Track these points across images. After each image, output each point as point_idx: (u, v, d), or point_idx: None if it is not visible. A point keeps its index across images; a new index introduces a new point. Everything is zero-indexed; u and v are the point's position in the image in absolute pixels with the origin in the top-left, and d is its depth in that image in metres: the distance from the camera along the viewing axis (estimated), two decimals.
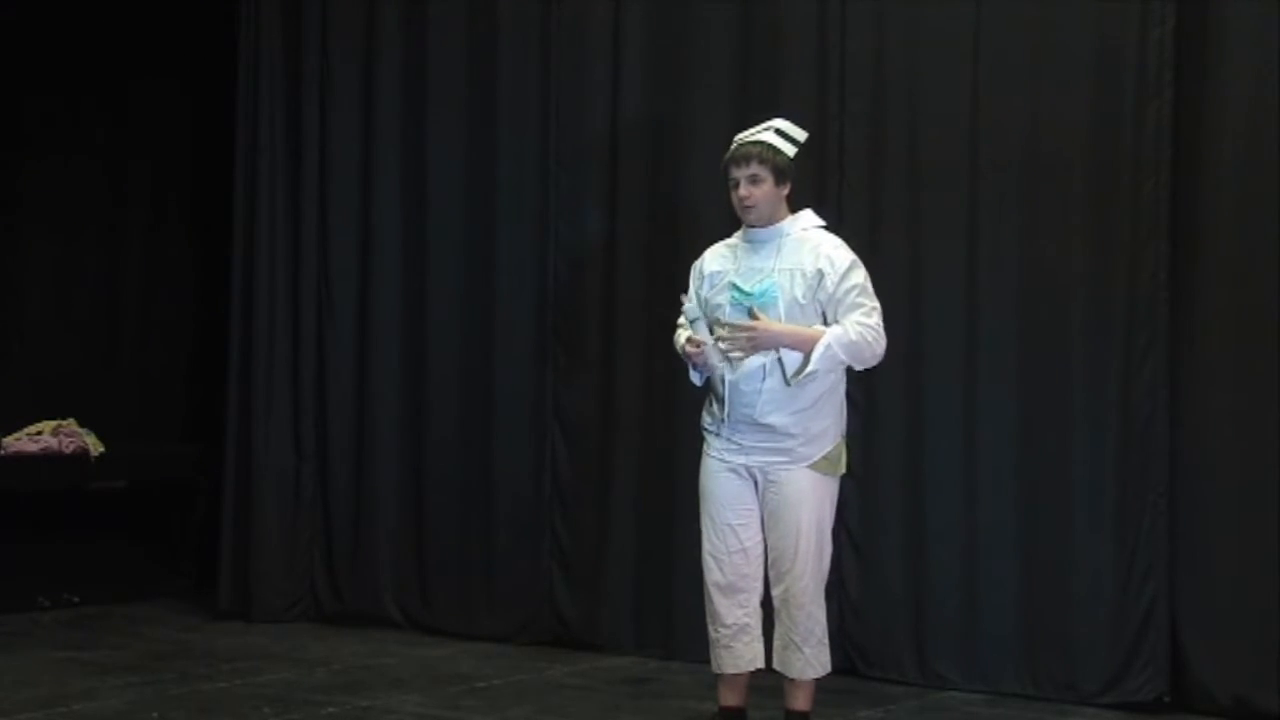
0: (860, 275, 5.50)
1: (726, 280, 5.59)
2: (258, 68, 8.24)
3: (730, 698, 5.69)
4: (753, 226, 5.59)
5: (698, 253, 7.14)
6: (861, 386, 6.80)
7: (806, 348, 5.40)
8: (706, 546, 5.63)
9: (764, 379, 5.46)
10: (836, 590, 6.76)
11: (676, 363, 7.09)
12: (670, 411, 7.10)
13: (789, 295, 5.47)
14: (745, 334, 5.42)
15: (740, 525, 5.58)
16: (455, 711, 6.24)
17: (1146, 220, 6.33)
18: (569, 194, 7.58)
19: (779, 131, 5.60)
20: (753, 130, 5.65)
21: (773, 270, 5.51)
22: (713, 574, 5.60)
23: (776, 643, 5.58)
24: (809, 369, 5.39)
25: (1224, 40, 6.25)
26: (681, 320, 5.75)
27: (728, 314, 5.53)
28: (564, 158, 7.59)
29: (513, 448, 7.66)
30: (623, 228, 7.43)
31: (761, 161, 5.51)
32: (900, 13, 6.82)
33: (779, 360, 5.44)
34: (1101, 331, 6.42)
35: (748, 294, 5.51)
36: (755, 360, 5.46)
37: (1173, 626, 6.32)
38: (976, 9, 6.65)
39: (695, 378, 5.65)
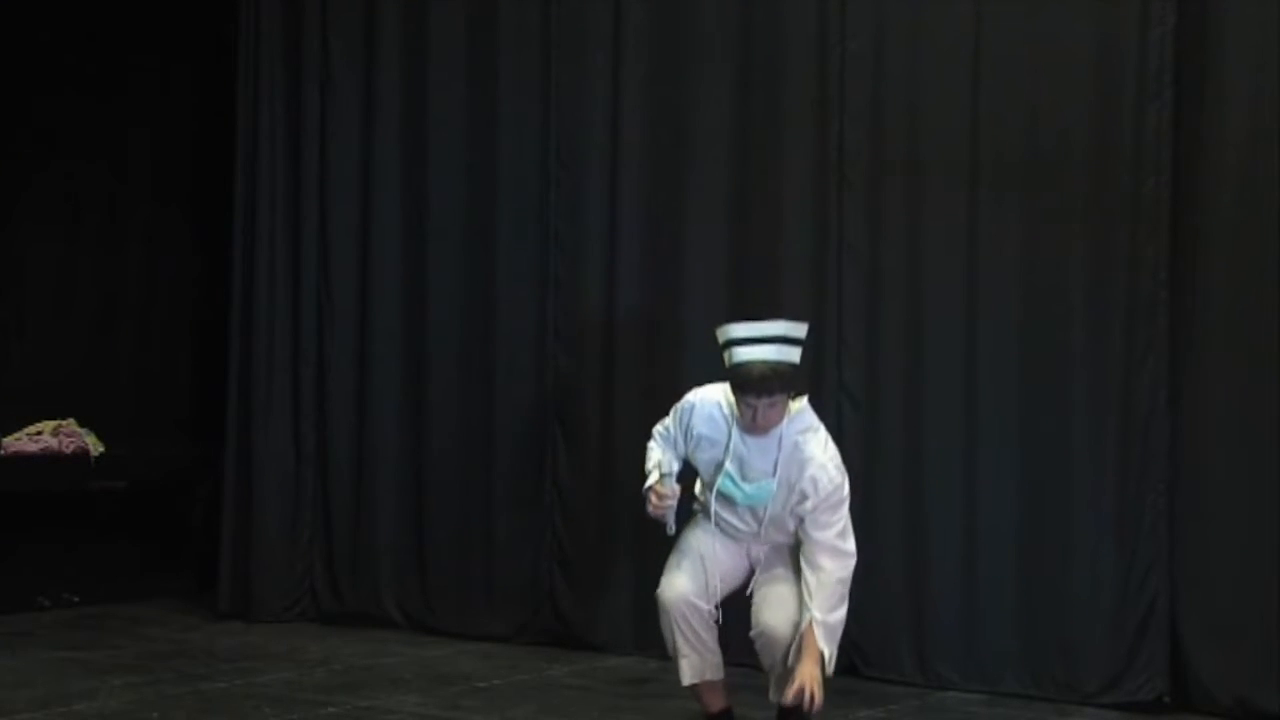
0: (837, 496, 5.48)
1: (722, 460, 5.53)
2: (258, 68, 8.24)
3: (712, 703, 5.71)
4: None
5: (698, 252, 7.21)
6: (862, 386, 6.82)
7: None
8: (669, 566, 5.63)
9: (757, 533, 5.56)
10: None
11: (677, 363, 7.15)
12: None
13: (776, 502, 5.49)
14: (809, 696, 5.33)
15: (718, 566, 5.59)
16: (455, 711, 6.24)
17: (1146, 220, 6.33)
18: (569, 194, 7.58)
19: (785, 340, 5.41)
20: (752, 334, 5.42)
21: (773, 478, 5.47)
22: (667, 591, 5.59)
23: (763, 664, 5.60)
24: (829, 661, 5.41)
25: (1224, 40, 6.25)
26: (654, 445, 5.69)
27: (717, 489, 5.53)
28: (564, 158, 7.59)
29: (513, 448, 7.66)
30: (622, 227, 7.43)
31: (781, 389, 5.38)
32: (900, 13, 6.81)
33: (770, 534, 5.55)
34: (1101, 331, 6.42)
35: (745, 493, 5.52)
36: (749, 524, 5.56)
37: (1173, 626, 6.32)
38: (976, 9, 6.65)
39: (650, 512, 5.61)
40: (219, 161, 8.61)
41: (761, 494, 5.49)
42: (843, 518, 5.51)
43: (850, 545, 5.52)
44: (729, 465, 5.51)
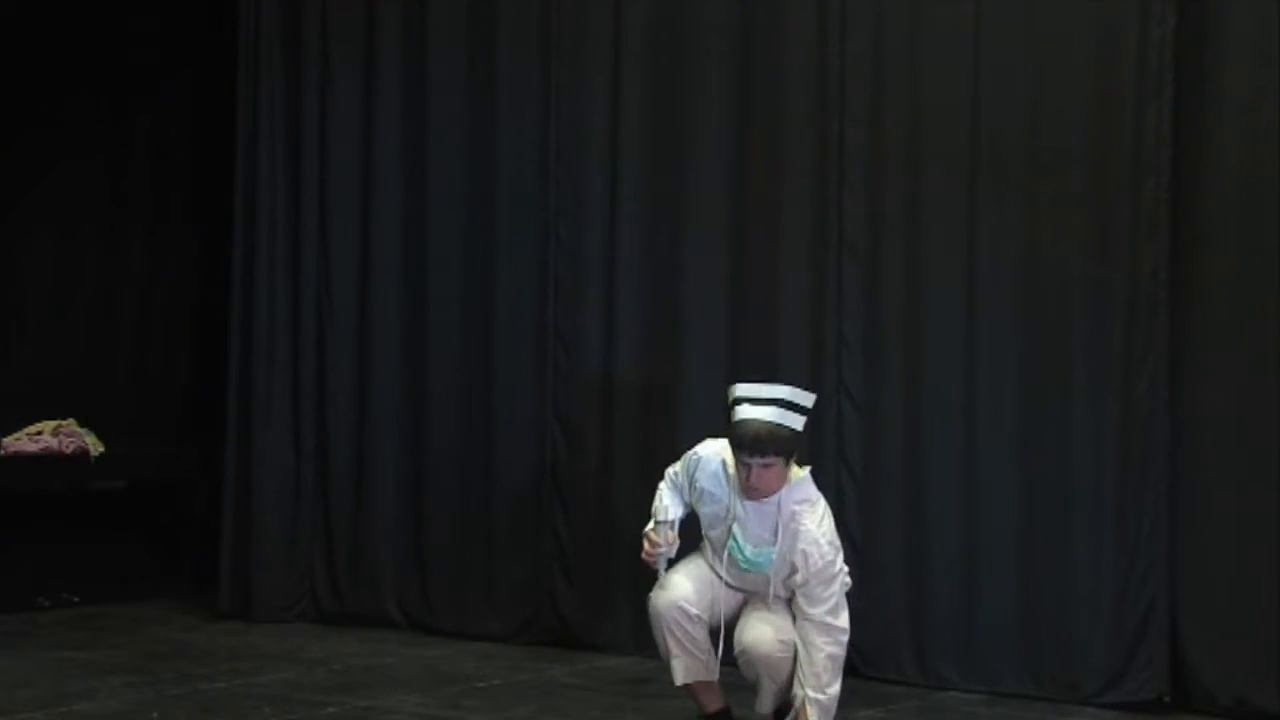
0: (829, 572, 5.48)
1: (725, 513, 5.57)
2: (258, 67, 8.23)
3: (709, 703, 5.71)
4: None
5: (698, 252, 7.21)
6: (862, 386, 6.82)
7: None
8: (665, 575, 5.66)
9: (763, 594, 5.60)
10: None
11: (677, 363, 7.15)
12: (670, 411, 7.10)
13: (771, 571, 5.52)
14: None
15: (713, 590, 5.62)
16: (455, 711, 6.24)
17: (1146, 220, 6.33)
18: (569, 194, 7.58)
19: (788, 405, 5.45)
20: (756, 395, 5.49)
21: (774, 548, 5.49)
22: (660, 597, 5.61)
23: (747, 680, 5.63)
24: None
25: (1224, 40, 6.25)
26: (663, 488, 5.75)
27: (724, 557, 5.58)
28: (564, 158, 7.59)
29: (513, 448, 7.66)
30: (623, 227, 7.42)
31: (778, 453, 5.40)
32: (900, 12, 6.81)
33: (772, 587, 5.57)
34: (1101, 331, 6.42)
35: (747, 559, 5.55)
36: (752, 587, 5.60)
37: (1173, 626, 6.32)
38: (976, 9, 6.65)
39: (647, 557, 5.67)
40: (219, 161, 8.60)
41: (762, 560, 5.53)
42: (835, 594, 5.50)
43: (843, 621, 5.50)
44: (734, 528, 5.55)
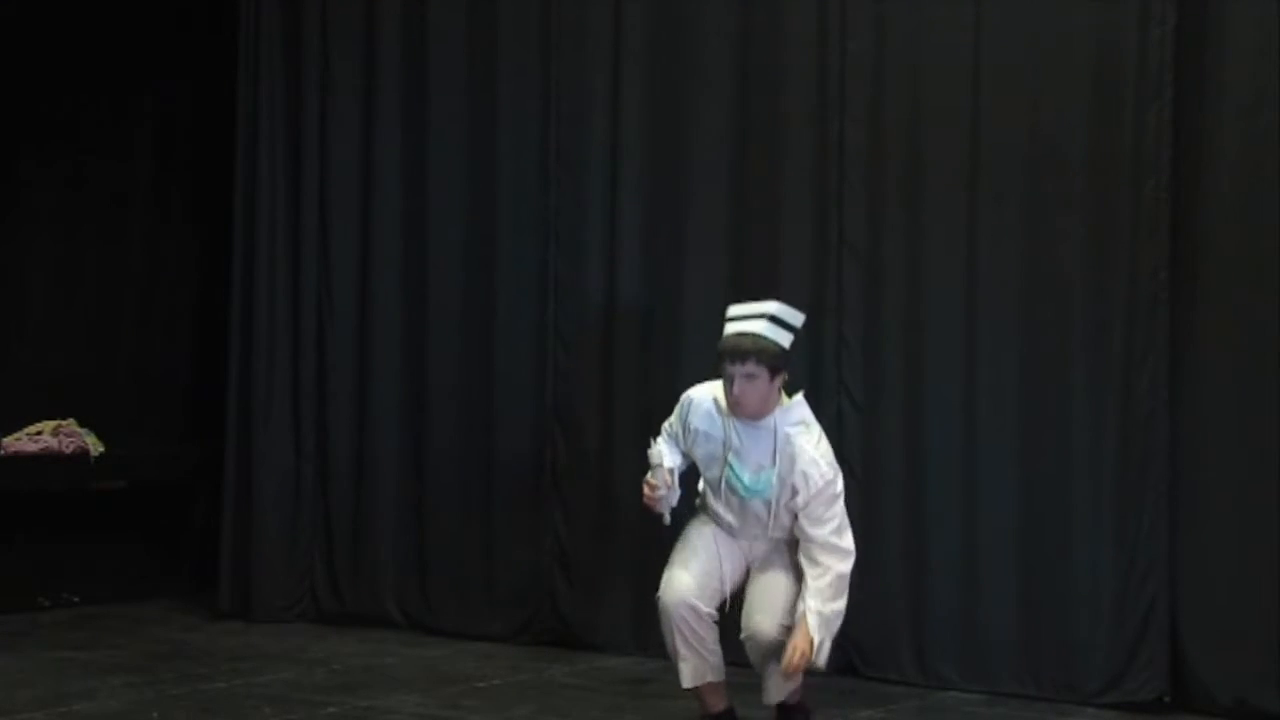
0: (830, 491, 5.49)
1: (720, 448, 5.57)
2: (258, 68, 8.24)
3: (714, 704, 5.70)
4: (743, 419, 5.53)
5: (698, 252, 7.21)
6: (862, 386, 6.82)
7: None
8: (669, 567, 5.65)
9: (761, 534, 5.58)
10: None
11: (677, 362, 7.15)
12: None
13: (774, 495, 5.51)
14: (800, 662, 5.38)
15: (717, 568, 5.61)
16: (455, 711, 6.24)
17: (1146, 220, 6.33)
18: (569, 194, 7.58)
19: (773, 319, 5.49)
20: (746, 311, 5.56)
21: (773, 470, 5.49)
22: (668, 593, 5.59)
23: (754, 667, 5.61)
24: (819, 647, 5.41)
25: (1224, 40, 6.25)
26: (658, 440, 5.74)
27: (721, 487, 5.57)
28: (564, 158, 7.59)
29: (513, 446, 7.66)
30: (623, 227, 7.43)
31: (758, 360, 5.41)
32: (900, 13, 6.82)
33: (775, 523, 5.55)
34: (1101, 331, 6.42)
35: (745, 485, 5.54)
36: (753, 526, 5.58)
37: (1173, 626, 6.32)
38: (976, 9, 6.66)
39: (650, 507, 5.67)
40: (219, 161, 8.60)
41: (762, 484, 5.51)
42: (838, 514, 5.51)
43: (848, 542, 5.52)
44: (731, 457, 5.53)
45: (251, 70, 8.26)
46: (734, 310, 5.60)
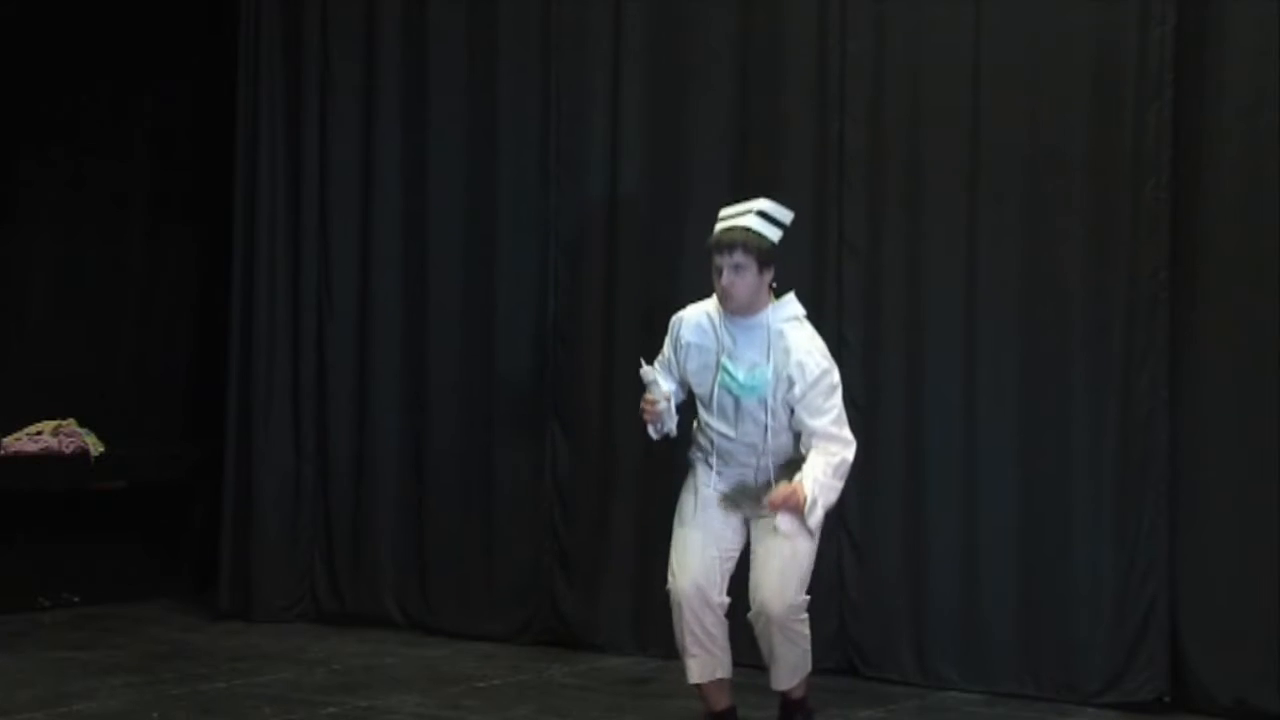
0: (827, 381, 5.48)
1: (714, 357, 5.57)
2: (258, 68, 8.24)
3: (717, 701, 5.68)
4: (733, 314, 5.54)
5: (698, 251, 7.19)
6: (863, 386, 6.82)
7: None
8: (674, 555, 5.62)
9: (757, 460, 5.55)
10: (836, 590, 6.78)
11: None
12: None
13: (770, 392, 5.49)
14: (790, 499, 5.36)
15: (717, 541, 5.58)
16: (455, 711, 6.24)
17: (1146, 220, 6.33)
18: (569, 194, 7.58)
19: (762, 214, 5.53)
20: (737, 209, 5.59)
21: (767, 367, 5.49)
22: (679, 581, 5.56)
23: (764, 656, 5.58)
24: (819, 512, 5.38)
25: (1224, 40, 6.26)
26: (645, 379, 5.70)
27: (715, 395, 5.54)
28: (564, 158, 7.59)
29: (513, 448, 7.66)
30: (623, 226, 7.43)
31: (746, 250, 5.44)
32: (900, 13, 6.82)
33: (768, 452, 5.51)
34: (1101, 331, 6.42)
35: (740, 384, 5.52)
36: (750, 437, 5.53)
37: (1173, 626, 6.32)
38: (976, 9, 6.66)
39: (652, 432, 5.65)
40: (219, 161, 8.60)
41: (757, 380, 5.49)
42: (837, 405, 5.50)
43: (848, 433, 5.51)
44: (724, 359, 5.53)
45: (251, 70, 8.26)
46: (725, 211, 5.63)
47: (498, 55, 7.76)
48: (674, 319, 5.73)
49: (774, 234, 5.52)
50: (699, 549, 5.57)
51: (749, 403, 5.52)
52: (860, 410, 6.79)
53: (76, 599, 8.36)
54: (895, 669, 6.77)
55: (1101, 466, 6.41)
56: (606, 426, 7.43)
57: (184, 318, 9.48)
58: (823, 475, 5.39)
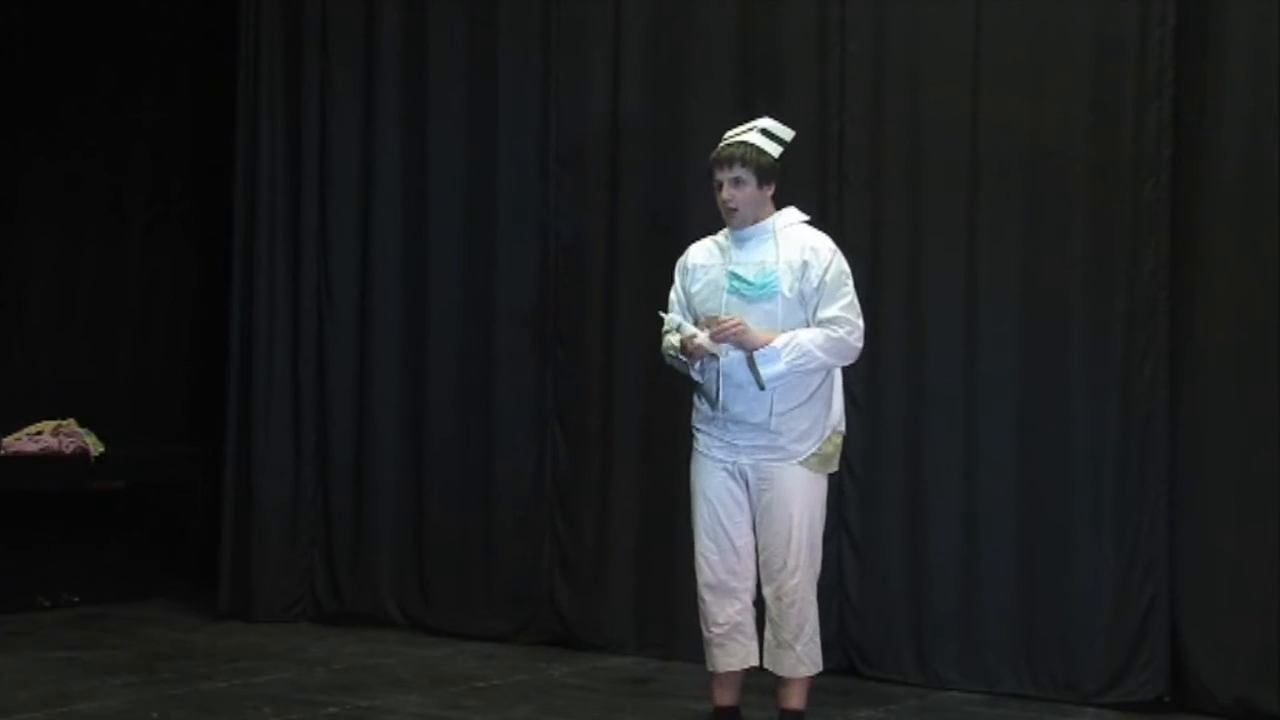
0: (838, 266, 5.55)
1: (721, 272, 5.60)
2: (258, 68, 8.24)
3: (724, 697, 5.69)
4: (736, 228, 5.60)
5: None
6: (863, 386, 6.82)
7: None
8: (698, 547, 5.64)
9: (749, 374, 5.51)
10: (836, 590, 6.77)
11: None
12: (670, 411, 7.09)
13: (783, 288, 5.51)
14: (734, 326, 5.39)
15: (732, 524, 5.59)
16: (455, 711, 6.24)
17: (1146, 220, 6.33)
18: (569, 194, 7.59)
19: (764, 131, 5.61)
20: (739, 129, 5.66)
21: (776, 263, 5.53)
22: (704, 574, 5.61)
23: (769, 641, 5.58)
24: (780, 366, 5.39)
25: (1224, 40, 6.26)
26: (666, 328, 5.71)
27: (725, 302, 5.55)
28: (564, 157, 7.60)
29: (513, 448, 7.66)
30: (623, 227, 7.43)
31: (744, 164, 5.53)
32: (900, 13, 6.82)
33: (752, 363, 5.47)
34: (1101, 331, 6.42)
35: (750, 284, 5.53)
36: (767, 309, 5.51)
37: (1173, 626, 6.32)
38: (976, 10, 6.66)
39: (695, 373, 5.61)
40: (219, 162, 8.61)
41: (768, 279, 5.51)
42: (850, 292, 5.55)
43: (858, 320, 5.55)
44: (731, 268, 5.56)
45: (251, 72, 8.26)
46: (727, 133, 5.69)
47: (498, 54, 7.76)
48: (682, 257, 5.79)
49: (774, 149, 5.58)
50: (720, 532, 5.58)
51: (762, 308, 5.50)
52: (860, 410, 6.80)
53: (76, 599, 8.37)
54: (895, 669, 6.77)
55: (1101, 466, 6.41)
56: (606, 426, 7.43)
57: (184, 318, 9.50)
58: (806, 338, 5.44)
